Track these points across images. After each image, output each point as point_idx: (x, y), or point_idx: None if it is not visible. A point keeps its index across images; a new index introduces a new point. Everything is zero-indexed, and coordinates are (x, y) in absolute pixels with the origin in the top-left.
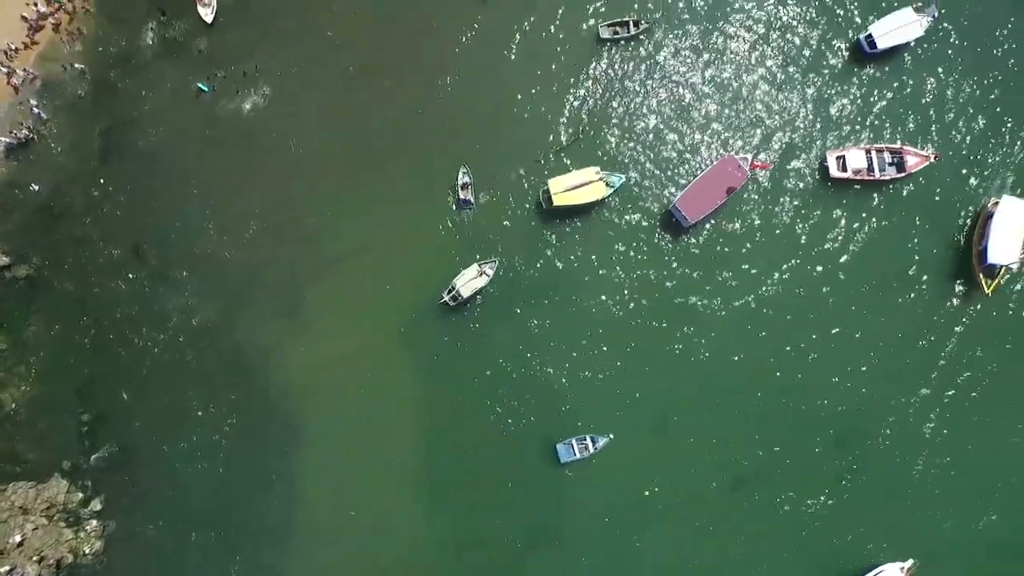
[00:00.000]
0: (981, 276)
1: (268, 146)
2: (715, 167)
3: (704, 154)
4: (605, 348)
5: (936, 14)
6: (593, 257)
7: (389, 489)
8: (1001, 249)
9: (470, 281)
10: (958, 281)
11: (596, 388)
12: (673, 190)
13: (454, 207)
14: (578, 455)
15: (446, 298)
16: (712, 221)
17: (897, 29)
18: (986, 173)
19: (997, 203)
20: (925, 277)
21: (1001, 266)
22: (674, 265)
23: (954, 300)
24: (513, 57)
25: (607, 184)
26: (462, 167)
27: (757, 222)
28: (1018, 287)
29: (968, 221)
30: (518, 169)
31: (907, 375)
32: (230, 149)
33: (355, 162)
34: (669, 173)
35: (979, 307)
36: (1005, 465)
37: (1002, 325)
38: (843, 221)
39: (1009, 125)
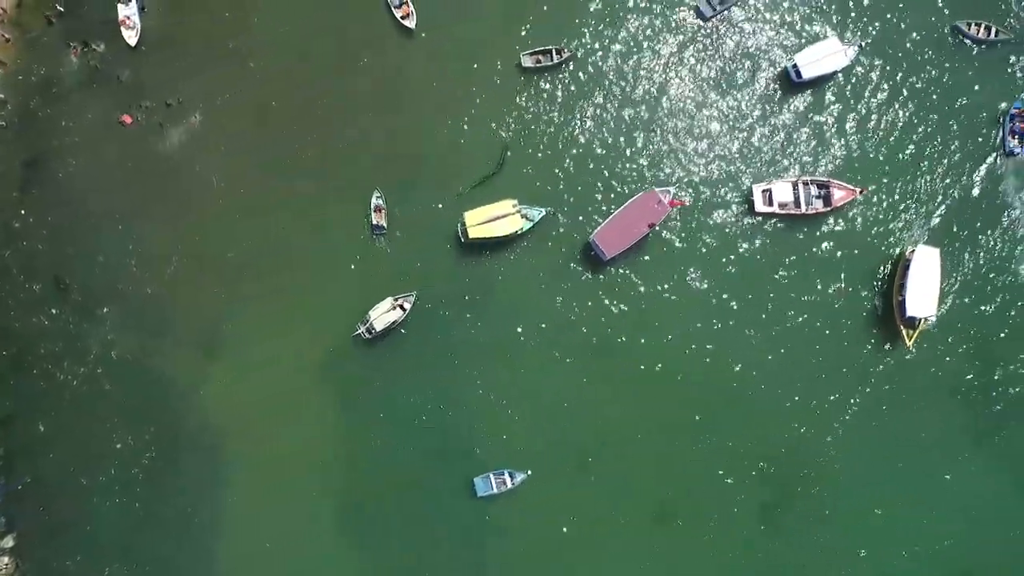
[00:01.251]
0: (902, 327)
1: (190, 179)
2: (635, 201)
3: (627, 187)
4: (525, 382)
5: (862, 44)
6: (512, 291)
7: (306, 524)
8: (918, 302)
9: (384, 314)
10: (881, 327)
11: (515, 422)
12: (596, 222)
13: (371, 237)
14: (496, 489)
15: (361, 330)
16: (634, 255)
17: (822, 59)
18: (909, 212)
19: (914, 251)
20: (849, 320)
21: (920, 319)
22: (595, 299)
23: (876, 346)
24: (437, 88)
25: (526, 217)
26: (375, 191)
27: (681, 256)
28: (937, 339)
29: (890, 265)
30: (437, 203)
31: (829, 416)
32: (153, 181)
33: (276, 195)
34: (591, 206)
35: (900, 357)
36: (921, 505)
37: (921, 376)
38: (768, 257)
39: (930, 162)
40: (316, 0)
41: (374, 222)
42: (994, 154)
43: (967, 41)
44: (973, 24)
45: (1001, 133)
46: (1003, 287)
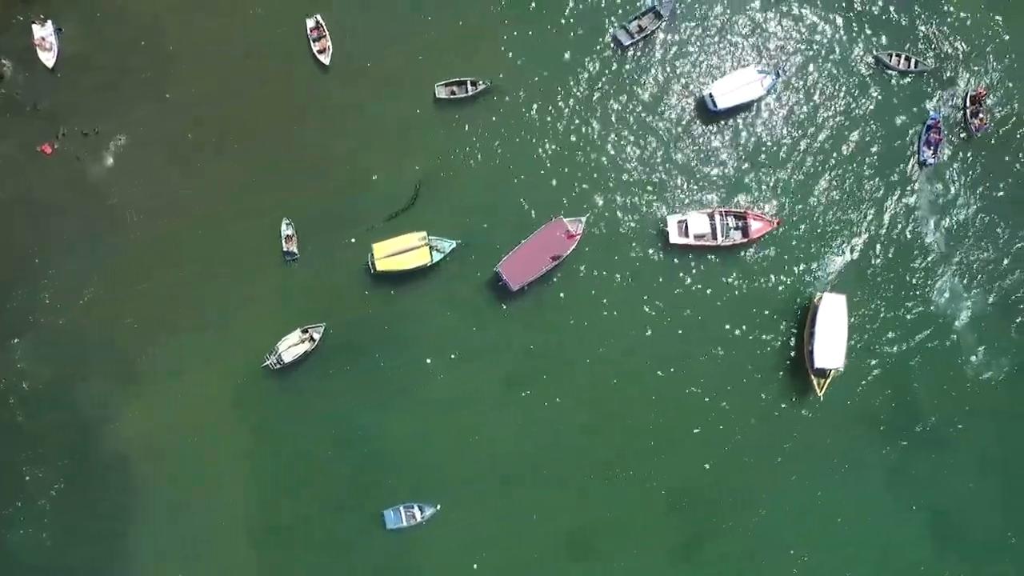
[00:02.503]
0: (812, 377)
1: (106, 211)
2: (542, 231)
3: (540, 216)
4: (435, 413)
5: (779, 73)
6: (423, 321)
7: (217, 557)
8: (826, 353)
9: (293, 346)
10: (794, 371)
11: (426, 454)
12: (507, 253)
13: (283, 265)
14: (405, 523)
15: (269, 361)
16: (546, 285)
17: (738, 88)
18: (825, 244)
19: (821, 298)
20: (764, 360)
21: (829, 369)
22: (505, 331)
23: (789, 391)
24: (352, 121)
25: (437, 249)
26: (284, 219)
27: (593, 288)
28: (847, 390)
29: (802, 307)
30: (350, 235)
31: (743, 455)
32: (69, 212)
33: (190, 227)
34: (504, 236)
35: (812, 403)
36: (839, 545)
37: (829, 427)
38: (683, 291)
39: (847, 193)
40: (234, 32)
41: (285, 249)
42: (910, 182)
43: (888, 72)
44: (894, 55)
45: (917, 145)
46: (916, 323)
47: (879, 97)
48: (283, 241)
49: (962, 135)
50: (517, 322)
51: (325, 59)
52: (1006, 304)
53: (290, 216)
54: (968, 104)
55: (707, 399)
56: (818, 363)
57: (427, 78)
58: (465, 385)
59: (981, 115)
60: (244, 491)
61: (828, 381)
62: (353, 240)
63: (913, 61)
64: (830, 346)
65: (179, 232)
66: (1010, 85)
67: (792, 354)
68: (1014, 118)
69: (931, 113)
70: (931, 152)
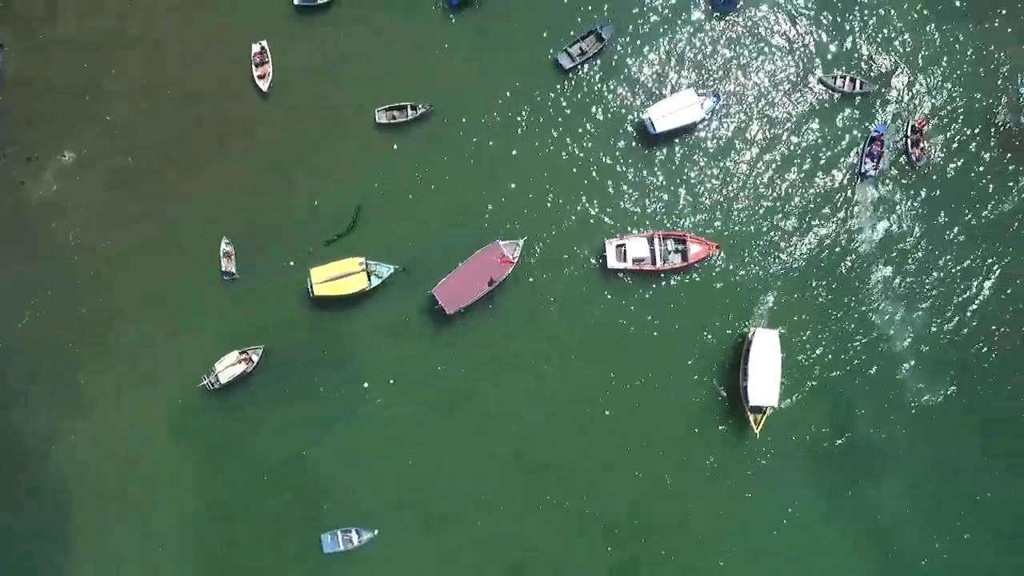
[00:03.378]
0: (749, 413)
1: (47, 234)
2: (478, 255)
3: (476, 240)
4: (372, 438)
5: (719, 96)
6: (361, 346)
7: None
8: (759, 391)
9: (230, 367)
10: (731, 406)
11: (363, 478)
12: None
13: (222, 285)
14: (343, 547)
15: (206, 382)
16: (483, 310)
17: (677, 111)
18: (764, 269)
19: (754, 334)
20: (700, 393)
21: (764, 406)
22: (442, 356)
23: (727, 425)
24: (294, 146)
25: (375, 274)
26: (224, 238)
27: (530, 313)
28: (786, 420)
29: (739, 339)
30: (290, 259)
31: (680, 486)
32: (10, 235)
33: (131, 250)
34: (443, 261)
35: (750, 438)
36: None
37: (767, 459)
38: (620, 318)
39: (787, 215)
40: (178, 55)
41: (223, 268)
42: (851, 207)
43: (832, 93)
44: (838, 77)
45: (859, 156)
46: (854, 350)
47: (822, 119)
48: (222, 260)
49: (904, 165)
50: (454, 347)
51: (264, 85)
52: (944, 330)
53: (230, 236)
54: (909, 133)
55: (643, 430)
56: (752, 401)
57: (369, 103)
58: (402, 410)
59: (922, 144)
60: (181, 513)
61: (764, 418)
62: (292, 263)
63: (858, 82)
64: (764, 383)
65: (120, 254)
66: (949, 113)
67: (729, 387)
68: (954, 146)
69: (876, 126)
70: (872, 164)
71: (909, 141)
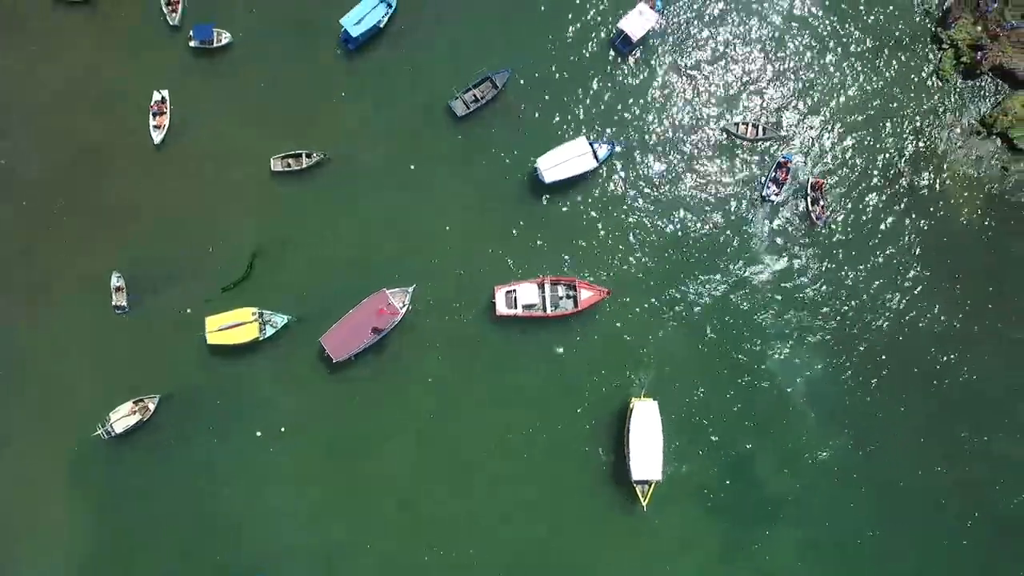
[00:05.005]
0: (636, 486)
1: None
2: (365, 303)
3: (369, 287)
4: (265, 487)
5: (614, 145)
6: (254, 395)
7: None
8: (643, 466)
9: (124, 417)
10: (618, 476)
11: (253, 529)
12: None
13: (117, 330)
14: None
15: (100, 432)
16: (371, 358)
17: (567, 161)
18: (652, 329)
19: (634, 406)
20: (589, 455)
21: (650, 480)
22: (331, 405)
23: (613, 495)
24: (190, 194)
25: (269, 324)
26: (114, 272)
27: (418, 362)
28: (670, 501)
29: (625, 403)
30: (185, 307)
31: (571, 559)
32: None
33: (21, 298)
34: (336, 308)
35: (638, 512)
36: None
37: (658, 526)
38: (510, 366)
39: (685, 266)
40: (73, 102)
41: (115, 303)
42: (747, 258)
43: (735, 141)
44: (742, 124)
45: (763, 181)
46: (746, 405)
47: (721, 167)
48: (112, 293)
49: (804, 223)
50: (344, 395)
51: (158, 136)
52: (836, 387)
53: (121, 272)
54: (809, 191)
55: (529, 496)
56: (636, 476)
57: (264, 150)
58: (293, 458)
59: (821, 203)
60: (77, 565)
61: (651, 489)
62: (189, 311)
63: (761, 129)
64: (647, 458)
65: (11, 302)
66: (849, 169)
67: (618, 453)
68: (850, 204)
69: (785, 153)
70: (775, 190)
71: (809, 200)
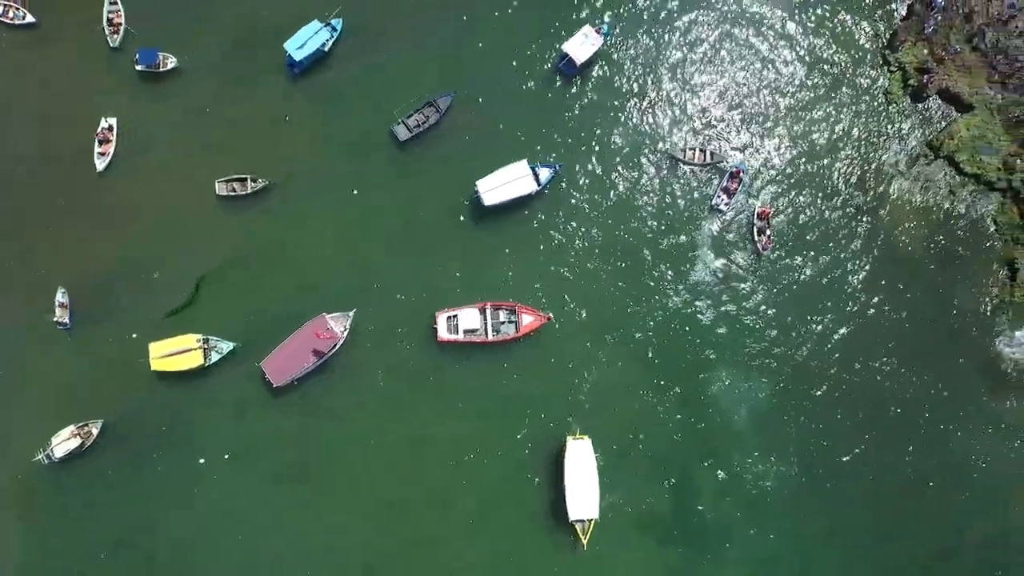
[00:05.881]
0: (574, 526)
1: None
2: (305, 327)
3: (312, 313)
4: (208, 514)
5: (558, 166)
6: (197, 421)
7: None
8: (579, 505)
9: (65, 441)
10: (557, 516)
11: (200, 555)
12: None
13: (63, 357)
14: None
15: (40, 456)
16: (313, 382)
17: (507, 184)
18: (593, 356)
19: (566, 447)
20: (528, 488)
21: (587, 520)
22: (273, 430)
23: (552, 534)
24: (135, 218)
25: (215, 350)
26: (60, 287)
27: (360, 386)
28: (611, 535)
29: (565, 427)
30: (131, 332)
31: None
32: None
33: None
34: (280, 333)
35: (575, 554)
36: None
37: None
38: (450, 393)
39: (626, 291)
40: (17, 125)
41: (57, 318)
42: (690, 286)
43: (681, 166)
44: (688, 149)
45: (714, 190)
46: (688, 438)
47: (666, 192)
48: (56, 308)
49: (750, 252)
50: (287, 420)
51: (102, 164)
52: (778, 414)
53: (66, 288)
54: (756, 220)
55: (471, 536)
56: (572, 515)
57: (209, 175)
58: (236, 484)
59: (768, 233)
60: None
61: (590, 527)
62: (135, 335)
63: (708, 153)
64: (583, 496)
65: None
66: (795, 197)
67: (559, 489)
68: (796, 230)
69: (737, 163)
70: (725, 199)
71: (755, 229)
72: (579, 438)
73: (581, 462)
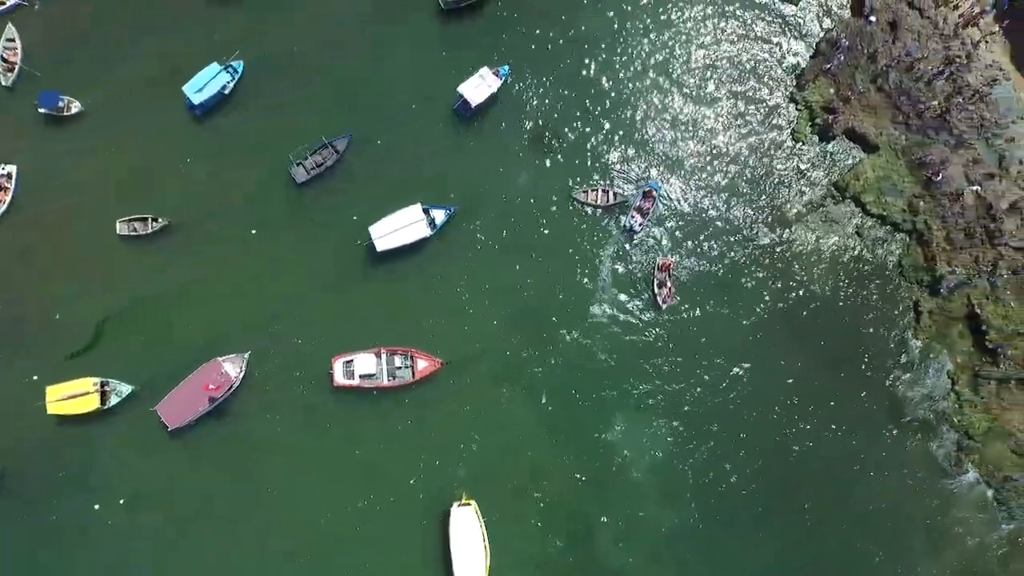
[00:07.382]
0: None
1: None
2: (199, 371)
3: (210, 355)
4: (103, 562)
5: (449, 212)
6: (93, 466)
7: None
8: (465, 574)
9: None
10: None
11: None
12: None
13: None
14: None
15: None
16: (209, 426)
17: (400, 229)
18: (487, 401)
19: (453, 513)
20: (423, 552)
21: None
22: (171, 474)
23: None
24: (32, 259)
25: (115, 393)
26: None
27: (255, 431)
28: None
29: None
30: (32, 374)
31: None
32: None
33: None
34: (178, 376)
35: None
36: None
37: None
38: (345, 439)
39: (526, 334)
40: None
41: None
42: (595, 333)
43: (584, 207)
44: (589, 191)
45: (628, 210)
46: (593, 479)
47: (564, 234)
48: None
49: (650, 304)
50: (182, 465)
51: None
52: (677, 463)
53: None
54: (656, 271)
55: None
56: None
57: (111, 218)
58: (133, 530)
59: (669, 285)
60: None
61: None
62: (36, 378)
63: (611, 193)
64: (469, 566)
65: None
66: (698, 243)
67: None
68: (698, 276)
69: (651, 182)
70: (639, 220)
71: (655, 282)
72: (465, 503)
73: (466, 531)
